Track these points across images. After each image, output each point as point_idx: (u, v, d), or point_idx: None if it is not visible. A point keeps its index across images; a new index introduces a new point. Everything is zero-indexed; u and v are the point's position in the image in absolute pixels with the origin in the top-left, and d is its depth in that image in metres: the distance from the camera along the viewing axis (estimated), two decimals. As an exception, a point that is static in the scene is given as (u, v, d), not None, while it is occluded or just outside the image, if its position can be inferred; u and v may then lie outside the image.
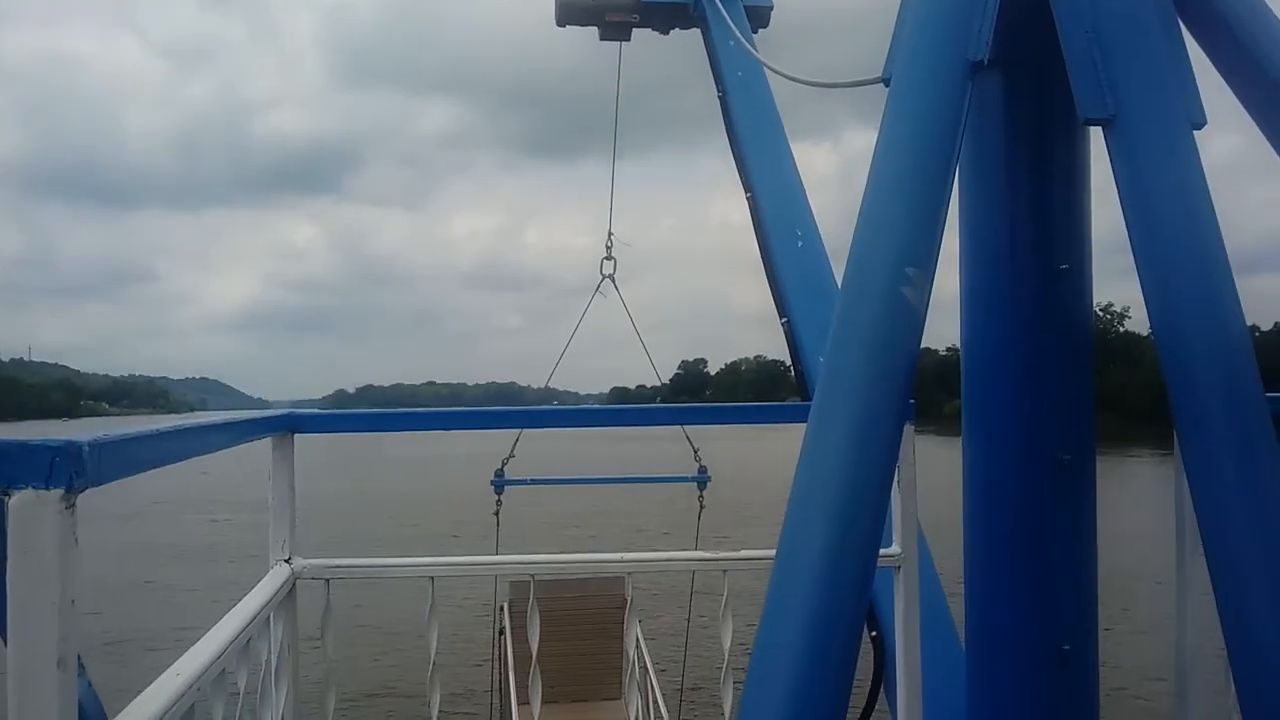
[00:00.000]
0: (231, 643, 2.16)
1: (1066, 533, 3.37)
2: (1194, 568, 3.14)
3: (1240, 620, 2.67)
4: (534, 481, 11.97)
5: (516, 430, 9.06)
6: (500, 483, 10.89)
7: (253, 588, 2.67)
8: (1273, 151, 3.00)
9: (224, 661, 2.08)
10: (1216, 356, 2.74)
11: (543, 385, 13.10)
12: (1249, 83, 3.09)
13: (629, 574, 3.45)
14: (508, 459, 10.86)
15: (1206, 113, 2.96)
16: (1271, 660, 2.62)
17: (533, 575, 3.38)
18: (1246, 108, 3.11)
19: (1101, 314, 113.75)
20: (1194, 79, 3.01)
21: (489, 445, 10.88)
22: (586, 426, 3.90)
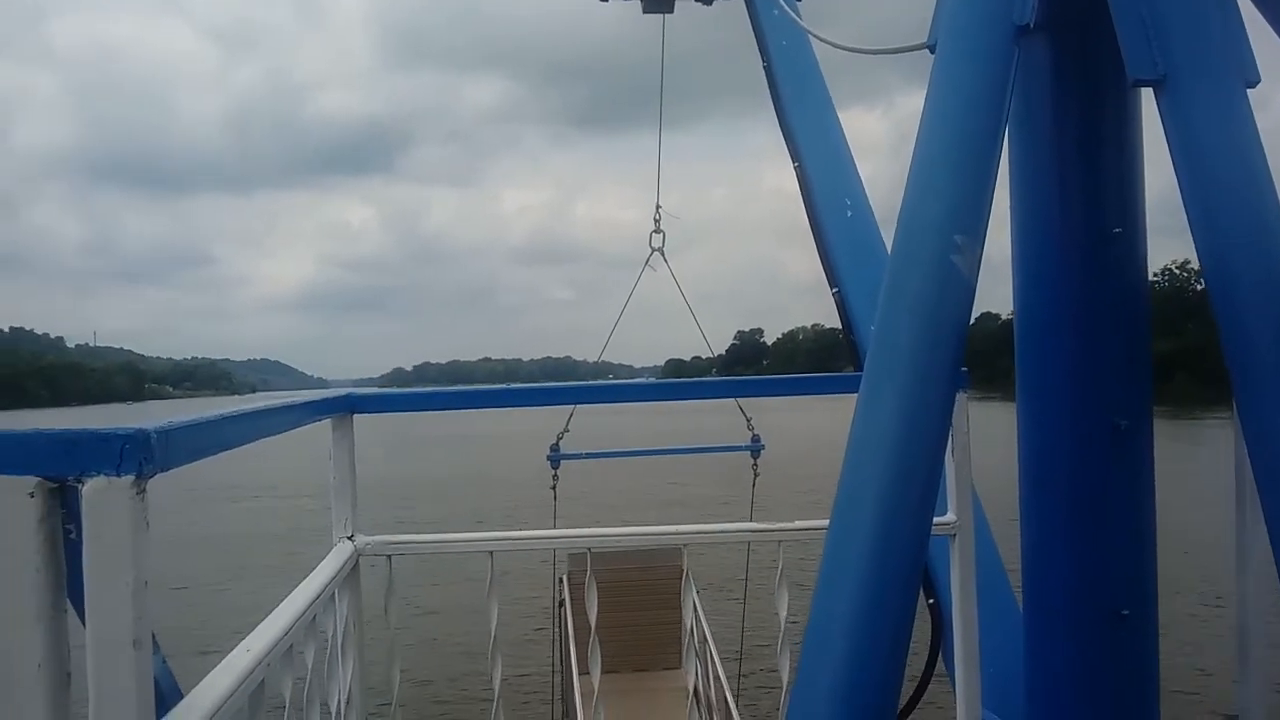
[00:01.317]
0: (298, 619, 2.22)
1: (1123, 498, 3.35)
2: (1254, 530, 3.10)
3: None
4: (589, 455, 12.06)
5: (571, 406, 9.13)
6: (556, 457, 11.00)
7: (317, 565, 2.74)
8: None
9: (291, 637, 2.14)
10: (1271, 313, 2.70)
11: (597, 359, 13.18)
12: None
13: (685, 545, 3.48)
14: (563, 434, 10.96)
15: (1261, 71, 2.91)
16: None
17: (589, 548, 3.41)
18: None
19: (1177, 271, 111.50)
20: (1246, 36, 2.95)
21: (547, 422, 10.97)
22: (638, 401, 3.92)
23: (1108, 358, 3.32)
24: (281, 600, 2.30)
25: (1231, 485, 3.24)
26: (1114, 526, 3.36)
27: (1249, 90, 2.87)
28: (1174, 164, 2.87)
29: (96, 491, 1.20)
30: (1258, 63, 2.93)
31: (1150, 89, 2.95)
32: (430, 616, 22.12)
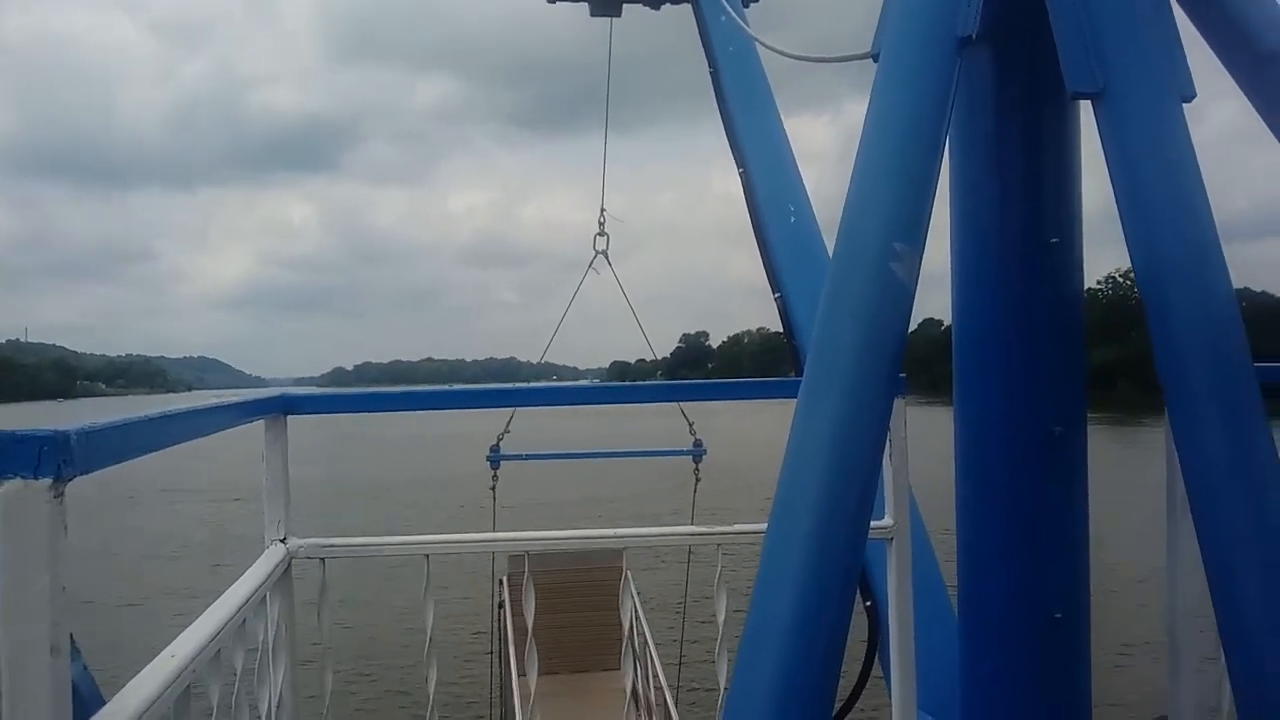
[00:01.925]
0: (227, 623, 2.18)
1: (1058, 504, 3.40)
2: (1184, 535, 3.17)
3: (1229, 583, 2.70)
4: (530, 457, 12.04)
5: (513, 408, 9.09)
6: (496, 458, 10.97)
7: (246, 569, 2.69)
8: (1261, 121, 3.01)
9: (219, 642, 2.10)
10: (1204, 326, 2.76)
11: (540, 361, 13.15)
12: (1237, 55, 3.09)
13: (625, 549, 3.46)
14: (503, 435, 10.93)
15: (1198, 86, 2.96)
16: (1259, 627, 2.65)
17: (528, 551, 3.38)
18: (1235, 79, 3.11)
19: (1120, 280, 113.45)
20: (1183, 52, 3.01)
21: (488, 424, 10.92)
22: (580, 404, 3.91)
23: (1044, 365, 3.36)
24: (210, 605, 2.26)
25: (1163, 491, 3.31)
26: (1048, 531, 3.41)
27: (1185, 105, 2.93)
28: (1110, 176, 2.92)
29: (12, 494, 1.17)
30: (1193, 78, 2.99)
31: (1089, 101, 2.99)
32: (365, 620, 21.89)
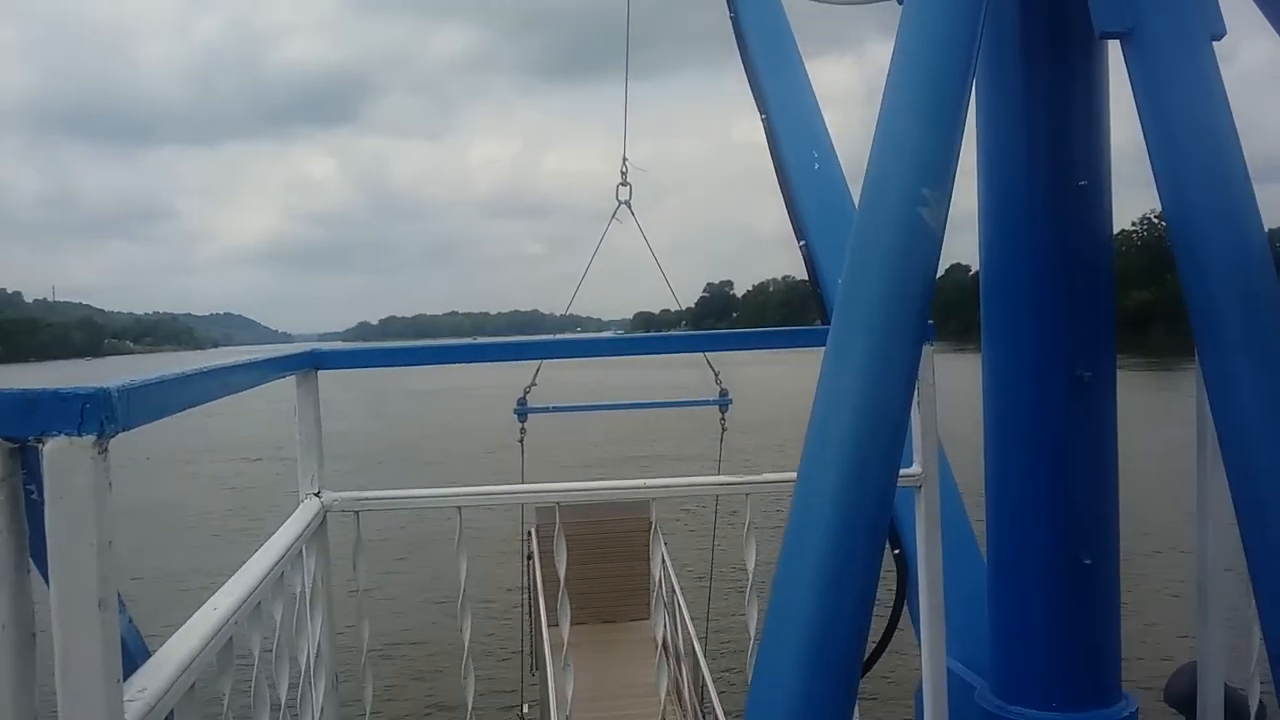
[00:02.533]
0: (265, 576, 2.22)
1: (1086, 449, 3.40)
2: (1214, 477, 3.16)
3: (1260, 529, 2.70)
4: (556, 409, 12.10)
5: (539, 360, 9.13)
6: (523, 410, 11.04)
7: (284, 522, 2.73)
8: None
9: (259, 595, 2.13)
10: (1234, 267, 2.73)
11: (564, 313, 13.17)
12: None
13: (653, 499, 3.48)
14: (529, 387, 10.99)
15: (1228, 23, 2.91)
16: None
17: (558, 502, 3.40)
18: (1265, 13, 3.06)
19: (1156, 221, 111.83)
20: None
21: (517, 375, 10.96)
22: (604, 356, 3.92)
23: (1072, 310, 3.35)
24: (249, 558, 2.29)
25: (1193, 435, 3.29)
26: (1076, 476, 3.41)
27: (1215, 43, 2.88)
28: (1140, 116, 2.88)
29: (58, 451, 1.19)
30: (1223, 14, 2.93)
31: (1117, 41, 2.95)
32: (400, 572, 22.20)
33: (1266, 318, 2.70)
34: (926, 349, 2.92)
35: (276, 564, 2.34)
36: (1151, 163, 2.85)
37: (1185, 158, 2.81)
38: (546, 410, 11.51)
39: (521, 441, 11.18)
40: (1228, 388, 2.75)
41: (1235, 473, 2.75)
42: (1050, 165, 3.33)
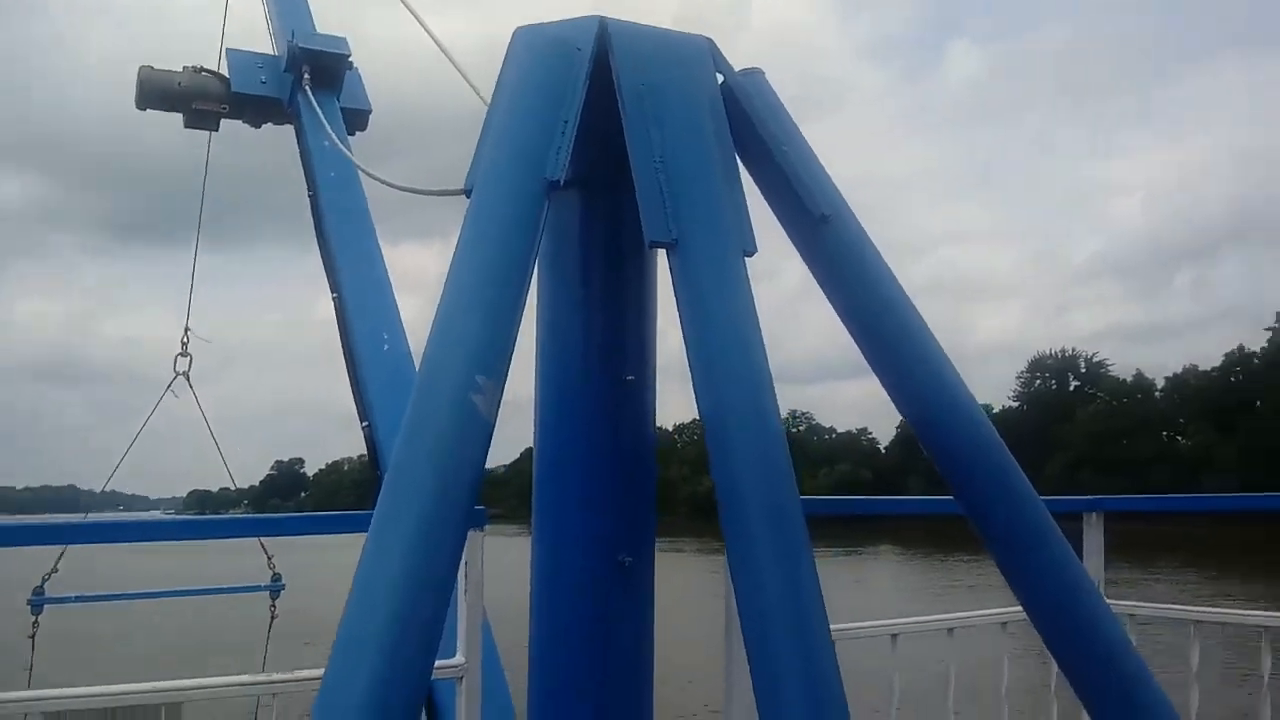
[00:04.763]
0: None
1: (627, 630, 3.48)
2: (740, 660, 3.32)
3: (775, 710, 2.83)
4: (81, 599, 10.82)
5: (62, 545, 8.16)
6: (39, 601, 9.72)
7: None
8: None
9: None
10: (760, 472, 2.93)
11: (103, 489, 11.97)
12: (793, 216, 3.42)
13: (164, 705, 3.10)
14: (49, 574, 9.74)
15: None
16: None
17: (60, 710, 2.97)
18: (790, 238, 3.45)
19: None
20: (747, 210, 3.29)
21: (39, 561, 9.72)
22: (138, 541, 3.54)
23: (616, 497, 3.46)
24: None
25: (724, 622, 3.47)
26: (615, 656, 3.47)
27: (747, 258, 3.19)
28: (680, 320, 3.10)
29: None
30: (754, 235, 3.27)
31: (664, 250, 3.19)
32: None
33: (783, 510, 2.91)
34: (474, 534, 2.88)
35: None
36: (689, 363, 3.05)
37: (718, 360, 3.03)
38: (69, 601, 10.22)
39: (33, 638, 9.80)
40: (750, 580, 2.91)
41: (756, 657, 2.89)
42: (602, 359, 3.49)
